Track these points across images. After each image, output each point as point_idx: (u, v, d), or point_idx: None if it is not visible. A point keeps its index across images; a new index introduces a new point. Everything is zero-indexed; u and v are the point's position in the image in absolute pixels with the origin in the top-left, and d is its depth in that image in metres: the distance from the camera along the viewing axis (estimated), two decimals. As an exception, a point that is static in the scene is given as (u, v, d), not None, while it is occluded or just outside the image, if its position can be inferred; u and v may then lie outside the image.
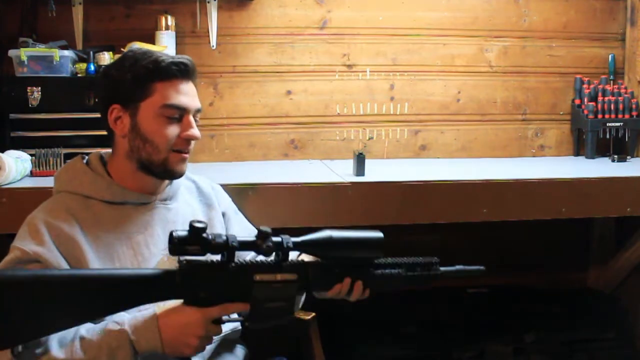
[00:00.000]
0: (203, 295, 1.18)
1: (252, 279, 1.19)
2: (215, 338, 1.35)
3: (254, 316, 1.20)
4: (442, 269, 1.37)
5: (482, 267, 1.41)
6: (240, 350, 1.47)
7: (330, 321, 2.05)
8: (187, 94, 1.35)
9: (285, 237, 1.22)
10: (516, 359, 2.31)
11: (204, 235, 1.15)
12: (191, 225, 1.15)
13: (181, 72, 1.34)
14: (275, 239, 1.20)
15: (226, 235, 1.18)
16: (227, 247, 1.17)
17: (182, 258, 1.17)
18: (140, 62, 1.33)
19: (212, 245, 1.16)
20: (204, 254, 1.16)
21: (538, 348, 2.33)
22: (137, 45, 1.98)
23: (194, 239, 1.14)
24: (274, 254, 1.21)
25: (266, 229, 1.20)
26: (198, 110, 1.39)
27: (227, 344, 1.43)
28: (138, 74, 1.32)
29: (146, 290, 1.17)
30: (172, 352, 1.19)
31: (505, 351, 2.31)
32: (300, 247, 1.23)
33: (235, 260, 1.20)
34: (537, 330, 2.35)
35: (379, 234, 1.29)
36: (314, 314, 1.63)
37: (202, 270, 1.18)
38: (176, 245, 1.14)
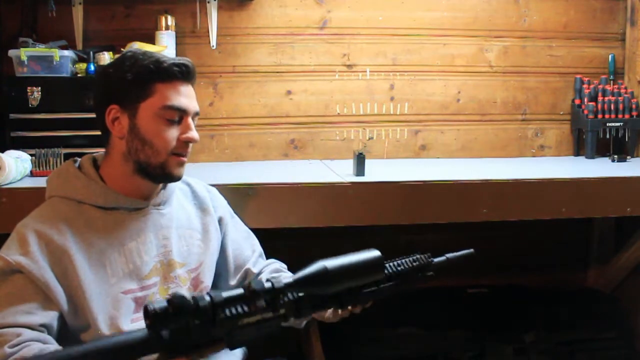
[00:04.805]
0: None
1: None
2: None
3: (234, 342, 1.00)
4: (434, 260, 1.30)
5: (471, 250, 1.37)
6: (238, 350, 1.46)
7: (330, 321, 2.04)
8: (187, 96, 1.34)
9: (276, 280, 1.03)
10: (516, 359, 2.31)
11: (185, 304, 0.93)
12: (169, 301, 0.93)
13: (182, 73, 1.33)
14: (266, 285, 1.02)
15: (210, 295, 0.96)
16: (212, 307, 0.96)
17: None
18: (140, 62, 1.31)
19: (194, 313, 0.94)
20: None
21: (538, 348, 2.33)
22: (137, 45, 1.98)
23: (173, 314, 0.93)
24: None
25: (255, 285, 1.00)
26: (196, 114, 1.37)
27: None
28: (139, 74, 1.31)
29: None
30: None
31: (505, 351, 2.31)
32: (294, 286, 1.05)
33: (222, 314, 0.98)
34: (537, 330, 2.35)
35: (377, 253, 1.15)
36: (314, 314, 1.63)
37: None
38: (153, 322, 0.92)
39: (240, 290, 1.00)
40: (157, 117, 1.31)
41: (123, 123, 1.32)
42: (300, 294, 1.07)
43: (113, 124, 1.33)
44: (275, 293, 1.03)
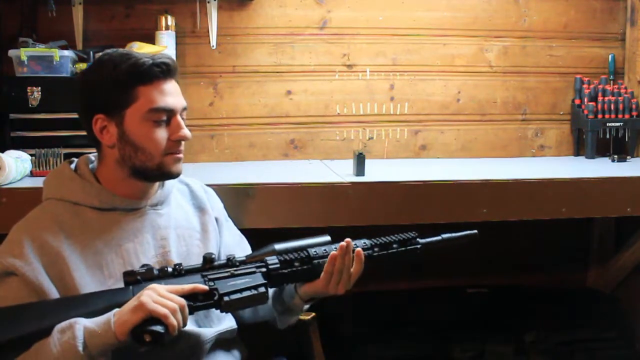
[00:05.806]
0: None
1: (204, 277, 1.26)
2: (210, 337, 1.35)
3: (223, 290, 1.24)
4: (422, 240, 1.42)
5: (474, 231, 1.46)
6: (238, 351, 1.46)
7: (330, 321, 2.05)
8: (171, 94, 1.32)
9: (232, 255, 1.31)
10: (516, 358, 2.31)
11: (154, 270, 1.23)
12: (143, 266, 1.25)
13: (163, 72, 1.30)
14: (219, 262, 1.29)
15: (173, 267, 1.25)
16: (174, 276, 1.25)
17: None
18: (119, 67, 1.29)
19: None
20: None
21: (538, 348, 2.33)
22: (137, 45, 1.98)
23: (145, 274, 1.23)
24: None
25: (210, 254, 1.29)
26: (184, 109, 1.35)
27: (224, 344, 1.41)
28: (119, 80, 1.28)
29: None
30: (121, 317, 1.13)
31: (505, 351, 2.31)
32: (247, 262, 1.31)
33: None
34: (537, 330, 2.35)
35: (326, 237, 1.36)
36: (314, 314, 1.63)
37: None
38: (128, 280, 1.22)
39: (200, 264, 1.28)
40: (145, 120, 1.29)
41: (111, 131, 1.30)
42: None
43: (102, 133, 1.31)
44: (231, 265, 1.28)
